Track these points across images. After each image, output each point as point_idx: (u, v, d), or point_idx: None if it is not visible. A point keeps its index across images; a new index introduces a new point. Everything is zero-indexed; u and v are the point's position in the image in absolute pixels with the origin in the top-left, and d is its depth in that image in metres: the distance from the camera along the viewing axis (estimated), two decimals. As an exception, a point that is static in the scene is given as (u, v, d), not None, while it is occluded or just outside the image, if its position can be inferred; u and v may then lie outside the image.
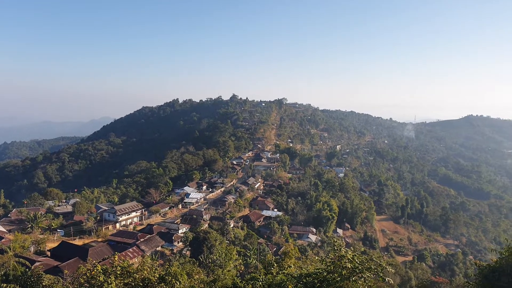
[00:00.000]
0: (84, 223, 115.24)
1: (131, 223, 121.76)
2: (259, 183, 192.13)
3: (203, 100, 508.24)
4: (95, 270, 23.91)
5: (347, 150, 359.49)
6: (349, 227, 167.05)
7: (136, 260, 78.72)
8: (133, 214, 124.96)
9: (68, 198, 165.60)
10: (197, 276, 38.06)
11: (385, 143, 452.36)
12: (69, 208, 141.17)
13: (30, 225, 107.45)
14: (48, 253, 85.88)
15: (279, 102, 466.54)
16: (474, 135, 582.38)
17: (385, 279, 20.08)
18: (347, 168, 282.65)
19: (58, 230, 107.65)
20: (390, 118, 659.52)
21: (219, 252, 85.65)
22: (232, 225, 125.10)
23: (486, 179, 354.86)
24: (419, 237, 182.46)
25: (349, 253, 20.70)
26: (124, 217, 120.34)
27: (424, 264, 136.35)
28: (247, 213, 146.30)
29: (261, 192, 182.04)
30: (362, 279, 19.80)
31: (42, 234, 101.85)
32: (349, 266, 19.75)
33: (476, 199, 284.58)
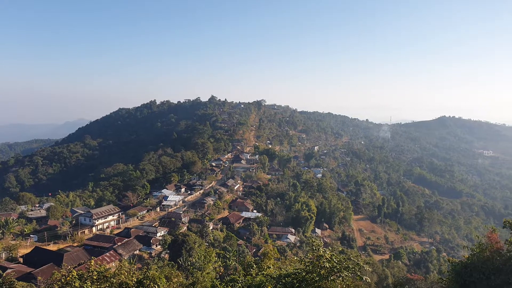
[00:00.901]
0: (58, 228, 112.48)
1: (108, 227, 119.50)
2: (238, 185, 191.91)
3: (181, 102, 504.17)
4: (70, 276, 23.39)
5: (325, 151, 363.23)
6: (327, 227, 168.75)
7: (113, 264, 77.36)
8: (110, 217, 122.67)
9: (41, 202, 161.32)
10: (176, 279, 37.69)
11: (362, 143, 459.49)
12: (42, 213, 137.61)
13: (1, 230, 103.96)
14: (21, 260, 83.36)
15: (258, 104, 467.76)
16: (447, 136, 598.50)
17: (362, 278, 20.39)
18: (325, 169, 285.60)
19: (31, 235, 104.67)
20: (367, 120, 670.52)
21: (198, 255, 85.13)
22: (211, 227, 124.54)
23: (458, 178, 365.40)
24: (395, 235, 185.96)
25: (327, 252, 20.93)
26: (100, 221, 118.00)
27: (400, 262, 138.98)
28: (226, 215, 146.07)
29: (241, 193, 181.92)
30: (340, 278, 20.05)
31: (14, 240, 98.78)
32: (328, 266, 19.96)
33: (449, 197, 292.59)
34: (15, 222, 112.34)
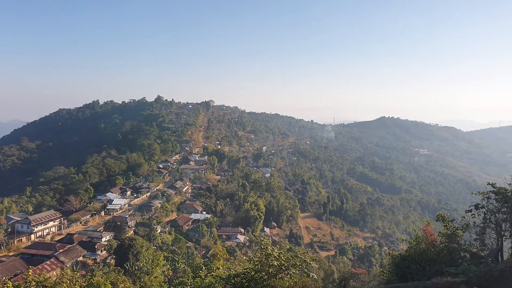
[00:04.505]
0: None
1: (48, 234, 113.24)
2: (187, 187, 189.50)
3: (126, 102, 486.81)
4: (6, 287, 22.10)
5: (273, 151, 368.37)
6: (276, 226, 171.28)
7: (54, 273, 73.57)
8: (51, 223, 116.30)
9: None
10: (123, 285, 36.65)
11: (307, 143, 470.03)
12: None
13: None
14: (-52, 273, 76.78)
15: (207, 104, 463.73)
16: (387, 135, 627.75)
17: (309, 275, 21.04)
18: (273, 169, 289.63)
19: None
20: (311, 120, 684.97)
21: (145, 259, 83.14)
22: (159, 231, 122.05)
23: (397, 175, 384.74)
24: (340, 232, 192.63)
25: (276, 251, 21.38)
26: (40, 228, 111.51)
27: (345, 258, 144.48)
28: (175, 218, 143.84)
29: (189, 195, 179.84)
30: (288, 275, 20.56)
31: None
32: (276, 264, 20.38)
33: (389, 194, 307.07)
34: None
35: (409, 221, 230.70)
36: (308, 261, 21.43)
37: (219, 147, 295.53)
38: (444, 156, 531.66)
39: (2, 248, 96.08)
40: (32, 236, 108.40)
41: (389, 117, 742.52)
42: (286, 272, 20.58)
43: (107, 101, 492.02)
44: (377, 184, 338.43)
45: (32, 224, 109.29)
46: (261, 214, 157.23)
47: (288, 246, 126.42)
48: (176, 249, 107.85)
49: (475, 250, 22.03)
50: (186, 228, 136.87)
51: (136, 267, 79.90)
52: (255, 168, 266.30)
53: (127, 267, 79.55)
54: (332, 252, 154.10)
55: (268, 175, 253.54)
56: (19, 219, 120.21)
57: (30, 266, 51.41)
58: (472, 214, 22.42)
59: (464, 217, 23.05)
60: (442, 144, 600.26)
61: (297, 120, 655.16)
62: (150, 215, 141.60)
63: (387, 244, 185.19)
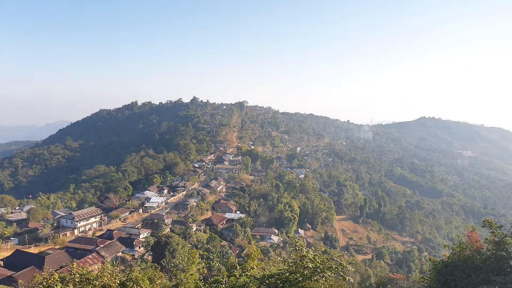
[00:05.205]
0: (39, 230, 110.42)
1: (90, 229, 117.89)
2: (221, 186, 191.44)
3: (163, 103, 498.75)
4: (52, 279, 22.95)
5: (307, 152, 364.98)
6: (310, 227, 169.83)
7: (96, 266, 76.41)
8: (92, 219, 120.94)
9: (22, 204, 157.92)
10: (159, 281, 37.36)
11: (343, 144, 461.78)
12: (23, 215, 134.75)
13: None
14: (1, 263, 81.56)
15: (240, 105, 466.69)
16: (427, 136, 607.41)
17: (345, 278, 20.60)
18: (307, 169, 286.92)
19: (11, 238, 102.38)
20: (348, 120, 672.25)
21: (181, 256, 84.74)
22: (194, 229, 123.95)
23: (438, 178, 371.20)
24: (377, 235, 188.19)
25: (310, 253, 21.09)
26: (82, 223, 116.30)
27: (382, 262, 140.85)
28: (209, 216, 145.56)
29: (224, 194, 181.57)
30: (324, 278, 20.21)
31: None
32: (311, 266, 20.09)
33: (430, 197, 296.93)
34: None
35: (452, 226, 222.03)
36: (344, 264, 20.98)
37: (253, 147, 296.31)
38: (491, 158, 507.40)
39: (49, 241, 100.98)
40: (76, 231, 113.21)
41: (429, 117, 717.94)
42: (321, 274, 20.23)
43: (145, 102, 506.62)
44: (417, 187, 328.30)
45: (75, 220, 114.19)
46: (295, 216, 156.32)
47: (323, 249, 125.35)
48: (211, 248, 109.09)
49: (525, 258, 20.79)
50: (221, 227, 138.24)
51: (172, 264, 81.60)
52: (289, 169, 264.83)
53: (164, 264, 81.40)
54: (369, 256, 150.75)
55: (302, 176, 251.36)
56: (64, 214, 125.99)
57: (74, 259, 53.62)
58: (522, 220, 21.18)
59: (513, 223, 21.78)
60: (488, 146, 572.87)
61: (333, 120, 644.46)
62: (186, 213, 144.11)
63: (427, 250, 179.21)
